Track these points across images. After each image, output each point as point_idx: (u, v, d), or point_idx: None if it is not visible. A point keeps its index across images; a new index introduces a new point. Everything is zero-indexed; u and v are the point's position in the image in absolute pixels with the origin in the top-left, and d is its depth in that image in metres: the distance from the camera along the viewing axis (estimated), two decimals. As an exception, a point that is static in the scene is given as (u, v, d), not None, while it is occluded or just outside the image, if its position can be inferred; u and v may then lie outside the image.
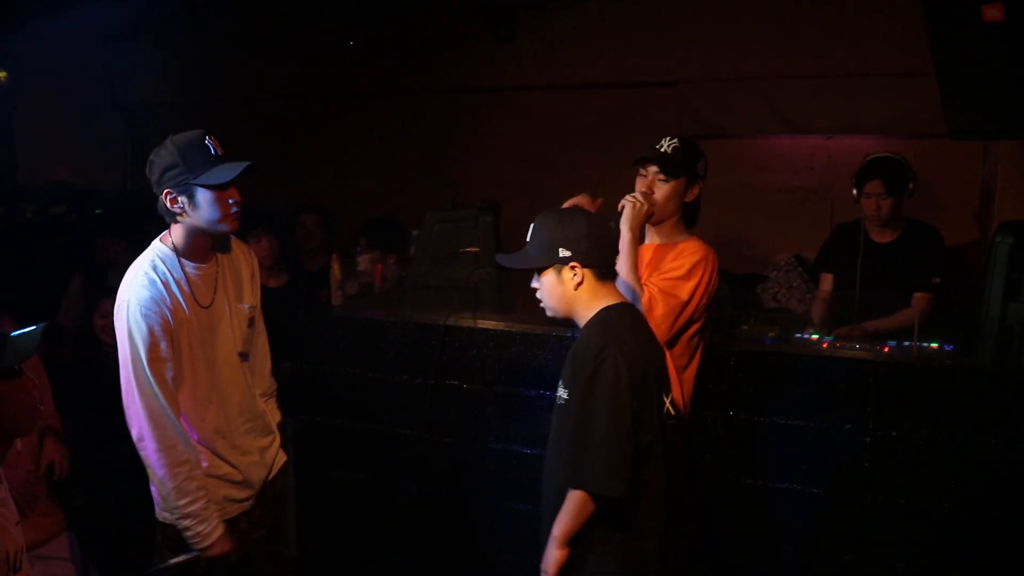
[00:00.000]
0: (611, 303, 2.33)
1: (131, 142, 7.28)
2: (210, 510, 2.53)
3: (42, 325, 2.08)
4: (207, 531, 2.51)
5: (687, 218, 2.93)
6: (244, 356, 2.77)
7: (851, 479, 3.05)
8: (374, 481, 3.75)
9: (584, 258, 2.29)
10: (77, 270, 5.06)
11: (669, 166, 2.82)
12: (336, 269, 3.95)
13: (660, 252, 2.88)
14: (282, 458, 2.93)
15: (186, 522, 2.49)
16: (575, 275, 2.29)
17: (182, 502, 2.48)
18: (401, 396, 3.62)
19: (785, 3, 5.08)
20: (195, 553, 2.52)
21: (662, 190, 2.82)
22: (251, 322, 2.78)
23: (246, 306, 2.75)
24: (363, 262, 4.19)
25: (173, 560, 2.54)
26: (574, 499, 2.21)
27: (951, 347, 3.15)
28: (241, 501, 2.73)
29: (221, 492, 2.66)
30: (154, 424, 2.46)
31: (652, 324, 2.55)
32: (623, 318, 2.31)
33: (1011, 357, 2.94)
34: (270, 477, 2.84)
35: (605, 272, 2.34)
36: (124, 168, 7.30)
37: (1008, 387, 2.90)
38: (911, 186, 3.78)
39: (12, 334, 2.04)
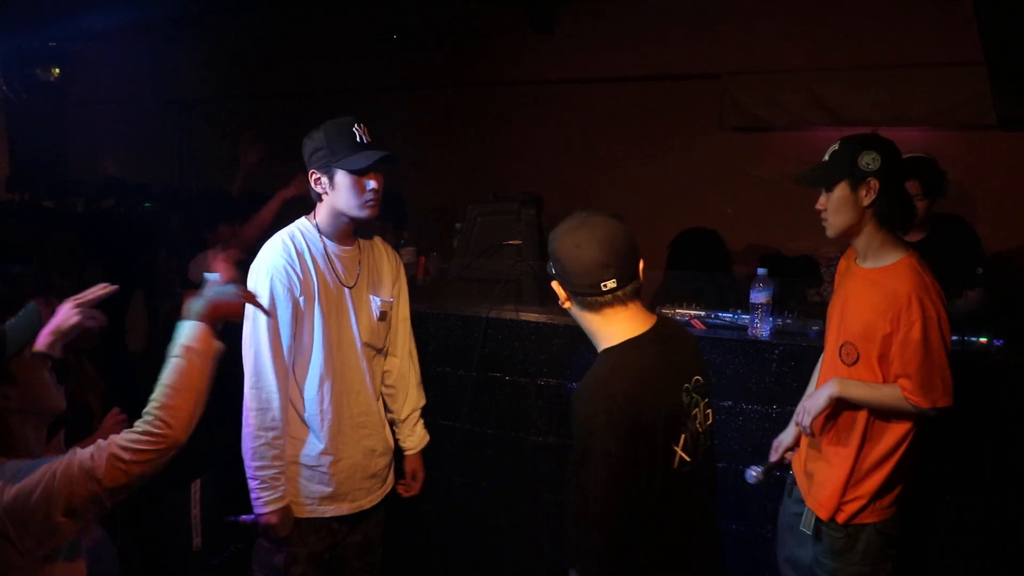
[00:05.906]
0: (614, 343, 2.01)
1: (180, 137, 7.41)
2: (280, 481, 2.60)
3: (32, 306, 1.98)
4: (269, 499, 2.58)
5: (889, 226, 2.53)
6: (371, 348, 2.82)
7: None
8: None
9: (563, 283, 2.02)
10: (137, 286, 4.64)
11: (809, 179, 2.62)
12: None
13: (869, 279, 2.56)
14: (388, 484, 2.97)
15: (254, 484, 2.59)
16: (563, 300, 2.04)
17: (255, 464, 2.58)
18: (443, 388, 3.65)
19: (829, -8, 5.02)
20: (254, 517, 2.61)
21: (827, 203, 2.57)
22: (383, 316, 2.84)
23: (379, 299, 2.82)
24: (407, 254, 4.23)
25: (243, 517, 2.65)
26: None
27: (1000, 342, 3.10)
28: (331, 499, 2.74)
29: (313, 486, 2.71)
30: (255, 381, 2.58)
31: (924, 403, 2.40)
32: (622, 359, 1.99)
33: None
34: (373, 496, 2.86)
35: (592, 303, 2.00)
36: (172, 163, 7.43)
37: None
38: (944, 187, 3.63)
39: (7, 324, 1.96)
